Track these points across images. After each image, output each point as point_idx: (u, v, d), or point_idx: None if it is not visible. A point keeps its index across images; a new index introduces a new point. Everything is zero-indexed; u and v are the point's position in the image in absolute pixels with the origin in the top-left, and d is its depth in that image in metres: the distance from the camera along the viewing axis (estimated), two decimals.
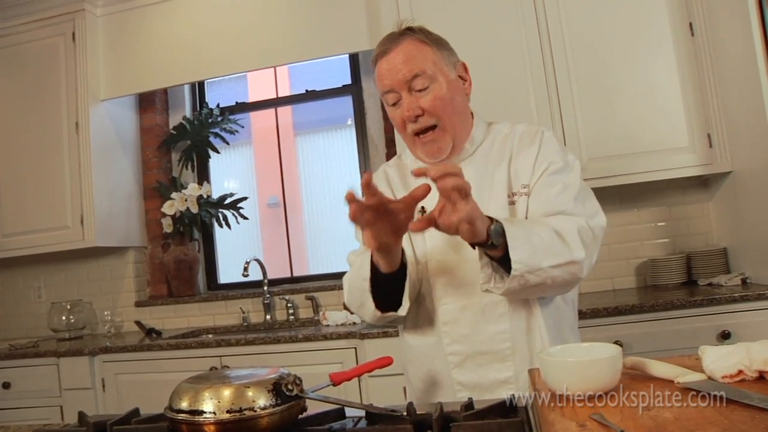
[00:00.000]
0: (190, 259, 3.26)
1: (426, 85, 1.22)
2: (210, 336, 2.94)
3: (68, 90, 3.04)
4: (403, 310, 1.20)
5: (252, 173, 3.64)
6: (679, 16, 2.38)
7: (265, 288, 3.07)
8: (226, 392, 0.87)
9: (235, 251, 3.42)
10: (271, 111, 3.52)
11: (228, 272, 3.44)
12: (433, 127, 1.24)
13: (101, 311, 3.24)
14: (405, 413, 0.91)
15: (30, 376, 2.69)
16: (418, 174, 0.99)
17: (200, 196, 3.23)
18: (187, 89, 3.53)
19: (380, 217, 1.03)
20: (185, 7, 3.07)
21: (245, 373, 0.94)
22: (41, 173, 3.04)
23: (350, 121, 3.33)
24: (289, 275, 3.36)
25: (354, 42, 2.86)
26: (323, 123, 3.59)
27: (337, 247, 3.28)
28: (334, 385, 0.99)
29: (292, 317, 3.02)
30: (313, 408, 0.97)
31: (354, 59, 3.27)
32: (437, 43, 1.27)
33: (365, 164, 3.21)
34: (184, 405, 0.88)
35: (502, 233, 1.05)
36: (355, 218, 1.01)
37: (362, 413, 0.97)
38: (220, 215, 3.29)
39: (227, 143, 3.41)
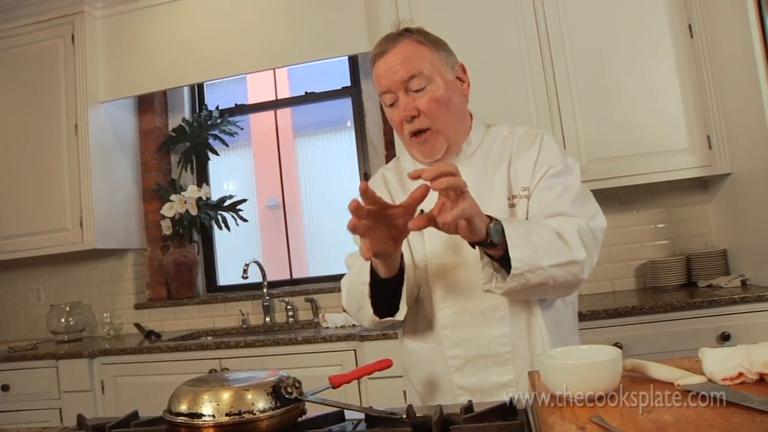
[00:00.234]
0: (190, 262, 3.25)
1: (423, 85, 1.22)
2: (209, 338, 2.93)
3: (67, 92, 3.04)
4: (400, 315, 1.19)
5: (251, 175, 3.64)
6: (679, 18, 2.38)
7: (265, 290, 3.07)
8: (226, 395, 0.87)
9: (235, 253, 3.42)
10: (270, 113, 3.52)
11: (227, 274, 3.43)
12: (427, 129, 1.24)
13: (100, 313, 3.24)
14: (404, 416, 0.90)
15: (29, 378, 2.68)
16: (414, 177, 0.99)
17: (199, 198, 3.23)
18: (186, 91, 3.53)
19: (379, 224, 1.03)
20: (184, 9, 3.07)
21: (244, 376, 0.94)
22: (40, 175, 3.04)
23: (349, 123, 3.33)
24: (288, 277, 3.36)
25: (353, 44, 2.87)
26: (322, 125, 3.59)
27: (337, 249, 3.27)
28: (333, 387, 0.99)
29: (291, 319, 3.01)
30: (313, 411, 0.97)
31: (353, 61, 3.27)
32: (435, 43, 1.27)
33: (364, 166, 3.21)
34: (184, 408, 0.88)
35: (502, 232, 1.05)
36: (354, 228, 1.01)
37: (362, 416, 0.97)
38: (219, 217, 3.29)
39: (226, 145, 3.41)
